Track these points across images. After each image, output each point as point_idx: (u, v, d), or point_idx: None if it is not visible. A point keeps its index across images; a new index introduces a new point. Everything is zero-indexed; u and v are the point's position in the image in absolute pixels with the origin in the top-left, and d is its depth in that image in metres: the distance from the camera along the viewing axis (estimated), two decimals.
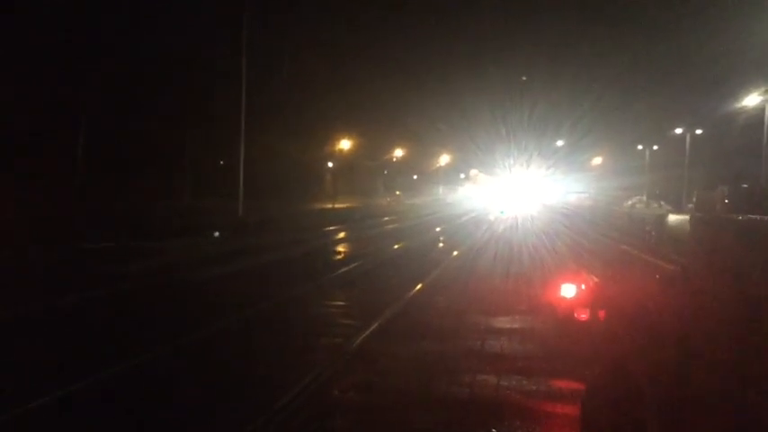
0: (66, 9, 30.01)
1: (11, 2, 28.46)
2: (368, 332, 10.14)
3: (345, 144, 58.74)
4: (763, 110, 37.79)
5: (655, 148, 71.63)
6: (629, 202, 58.29)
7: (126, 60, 33.98)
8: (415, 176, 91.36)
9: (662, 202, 55.74)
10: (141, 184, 34.98)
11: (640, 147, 73.90)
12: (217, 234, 25.68)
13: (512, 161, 71.03)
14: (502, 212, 47.30)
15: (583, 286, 9.78)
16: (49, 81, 29.45)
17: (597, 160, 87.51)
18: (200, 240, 23.99)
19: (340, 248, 25.87)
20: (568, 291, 9.68)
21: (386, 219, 45.54)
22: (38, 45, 29.17)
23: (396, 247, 25.80)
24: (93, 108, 30.20)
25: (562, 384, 7.66)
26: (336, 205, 50.78)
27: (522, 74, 68.16)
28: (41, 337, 10.04)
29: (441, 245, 27.59)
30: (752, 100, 39.15)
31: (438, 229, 36.43)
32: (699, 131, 59.99)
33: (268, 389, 7.36)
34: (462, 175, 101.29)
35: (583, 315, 9.34)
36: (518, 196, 63.64)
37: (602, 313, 9.30)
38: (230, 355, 9.03)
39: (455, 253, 23.83)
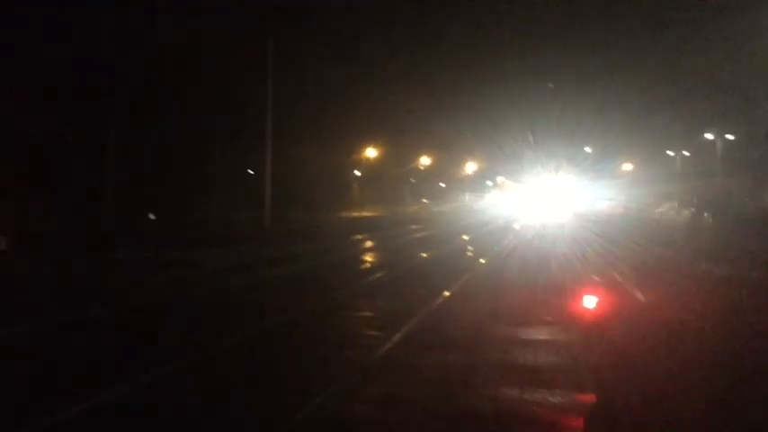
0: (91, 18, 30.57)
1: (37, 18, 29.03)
2: (391, 343, 10.02)
3: (372, 152, 58.87)
4: None
5: (686, 153, 70.43)
6: (660, 209, 57.38)
7: (153, 70, 34.44)
8: (442, 184, 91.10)
9: (693, 209, 54.71)
10: (170, 196, 35.38)
11: (671, 152, 72.71)
12: (243, 245, 25.83)
13: (539, 168, 70.41)
14: (518, 226, 45.98)
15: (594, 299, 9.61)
16: (78, 95, 29.99)
17: (627, 167, 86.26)
18: (227, 251, 24.15)
19: (366, 257, 25.83)
20: (591, 302, 9.51)
21: (413, 227, 45.41)
22: (67, 59, 29.75)
23: (423, 255, 25.67)
24: (122, 120, 30.60)
25: (585, 398, 7.47)
26: (363, 214, 50.84)
27: (550, 80, 67.45)
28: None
29: (468, 253, 27.37)
30: None
31: (465, 238, 36.19)
32: (730, 137, 58.81)
33: (284, 403, 7.31)
34: (489, 183, 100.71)
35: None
36: (546, 204, 62.99)
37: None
38: (244, 373, 8.97)
39: (482, 261, 23.63)
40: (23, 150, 28.10)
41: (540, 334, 10.63)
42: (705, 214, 52.10)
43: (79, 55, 29.75)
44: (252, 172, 42.72)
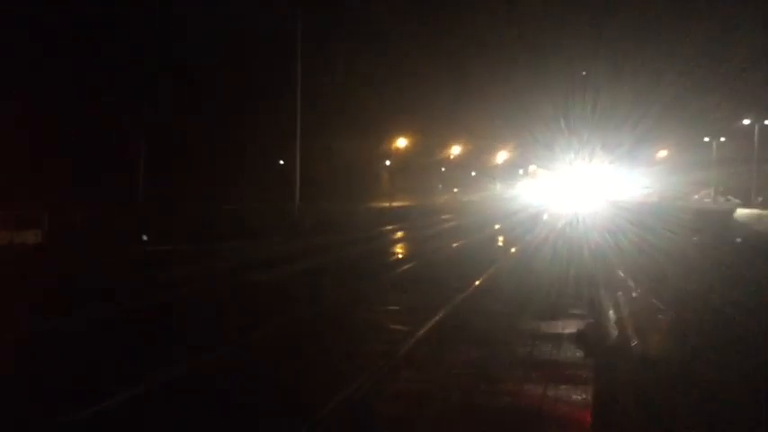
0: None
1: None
2: (415, 337, 9.92)
3: (402, 142, 58.58)
4: None
5: (722, 140, 68.62)
6: (696, 197, 56.17)
7: (183, 62, 34.79)
8: (473, 173, 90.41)
9: (730, 197, 53.46)
10: (200, 188, 35.73)
11: (707, 139, 70.90)
12: (273, 237, 25.92)
13: (572, 156, 69.21)
14: (550, 214, 45.07)
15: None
16: (109, 90, 30.50)
17: (662, 154, 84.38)
18: (257, 243, 24.26)
19: (396, 248, 25.74)
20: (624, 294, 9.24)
21: (443, 217, 45.19)
22: (106, 59, 30.34)
23: (453, 245, 25.48)
24: (151, 115, 31.00)
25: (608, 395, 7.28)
26: (393, 204, 50.73)
27: (584, 67, 66.23)
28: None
29: (499, 243, 27.11)
30: None
31: (496, 227, 35.87)
32: None
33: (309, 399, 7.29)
34: (521, 171, 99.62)
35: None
36: (579, 192, 62.05)
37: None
38: (263, 368, 8.95)
39: (513, 250, 23.39)
40: (58, 148, 28.73)
41: (569, 328, 10.39)
42: (736, 200, 50.82)
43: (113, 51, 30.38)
44: (282, 162, 42.89)
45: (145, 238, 22.71)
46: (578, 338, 9.68)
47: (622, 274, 15.78)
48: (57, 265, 18.01)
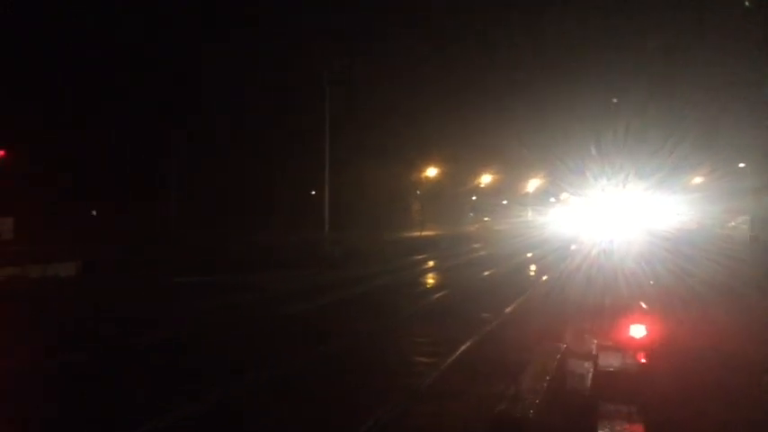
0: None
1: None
2: (440, 371, 9.74)
3: (432, 171, 58.53)
4: None
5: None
6: (732, 224, 54.91)
7: (215, 96, 35.47)
8: (504, 201, 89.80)
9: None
10: (231, 220, 36.07)
11: (742, 165, 69.27)
12: (304, 269, 25.85)
13: (605, 183, 68.13)
14: (583, 242, 44.14)
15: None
16: (148, 127, 31.25)
17: (698, 180, 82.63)
18: (288, 275, 24.17)
19: (426, 279, 25.46)
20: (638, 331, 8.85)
21: (474, 245, 44.75)
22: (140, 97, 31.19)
23: (484, 274, 25.11)
24: (182, 149, 31.62)
25: None
26: (424, 233, 50.50)
27: (616, 94, 65.57)
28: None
29: (530, 272, 26.64)
30: None
31: (528, 255, 35.36)
32: None
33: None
34: (552, 199, 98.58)
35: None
36: (612, 219, 60.98)
37: None
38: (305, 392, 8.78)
39: (544, 278, 22.96)
40: (95, 186, 29.35)
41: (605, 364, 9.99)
42: None
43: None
44: (313, 192, 43.13)
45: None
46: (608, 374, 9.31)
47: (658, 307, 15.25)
48: (92, 298, 18.10)
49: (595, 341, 9.55)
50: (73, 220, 26.18)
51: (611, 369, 8.99)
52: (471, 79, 72.10)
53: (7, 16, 28.47)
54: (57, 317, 14.93)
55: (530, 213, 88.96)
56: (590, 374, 8.59)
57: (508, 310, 15.34)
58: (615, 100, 66.27)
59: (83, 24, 30.74)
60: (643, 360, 8.75)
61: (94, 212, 29.54)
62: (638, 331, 8.86)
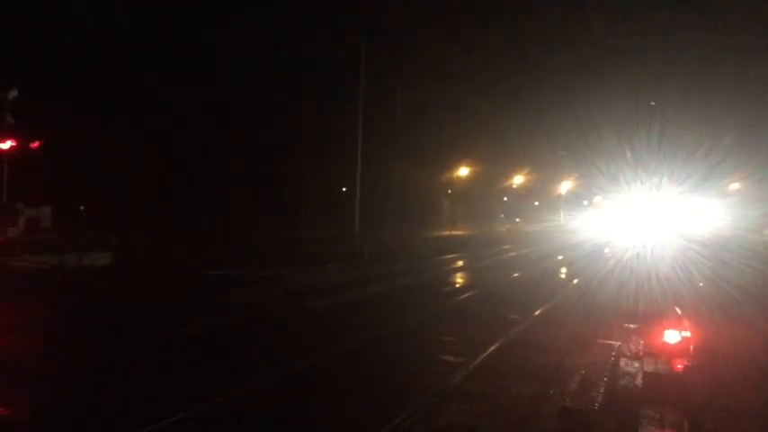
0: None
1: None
2: (467, 371, 9.69)
3: (464, 171, 58.29)
4: None
5: None
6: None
7: (244, 93, 35.81)
8: (536, 203, 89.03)
9: None
10: (262, 217, 36.40)
11: None
12: (333, 264, 25.99)
13: (638, 186, 67.04)
14: (615, 245, 43.26)
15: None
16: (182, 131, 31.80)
17: (735, 186, 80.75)
18: (317, 270, 24.32)
19: (454, 278, 25.36)
20: (672, 337, 8.67)
21: (504, 247, 44.42)
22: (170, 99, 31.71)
23: (513, 275, 24.94)
24: (218, 147, 32.04)
25: None
26: (454, 232, 50.33)
27: (653, 96, 64.46)
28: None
29: (561, 275, 26.35)
30: None
31: (559, 258, 35.02)
32: None
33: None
34: (585, 202, 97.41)
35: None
36: (646, 223, 59.99)
37: None
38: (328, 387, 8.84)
39: (575, 282, 22.70)
40: (128, 177, 29.88)
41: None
42: None
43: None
44: (345, 189, 43.27)
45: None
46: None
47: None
48: (127, 287, 18.38)
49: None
50: (111, 213, 26.67)
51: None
52: (504, 80, 71.55)
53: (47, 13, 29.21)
54: (94, 305, 15.25)
55: (562, 216, 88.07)
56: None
57: (537, 312, 15.19)
58: (653, 102, 65.13)
59: (118, 22, 31.34)
60: (679, 366, 8.58)
61: (130, 206, 30.09)
62: (672, 337, 8.70)
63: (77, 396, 8.32)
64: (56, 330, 12.35)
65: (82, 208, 26.47)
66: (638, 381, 8.31)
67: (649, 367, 8.47)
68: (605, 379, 7.97)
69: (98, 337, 11.64)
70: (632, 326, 10.71)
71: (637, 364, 8.83)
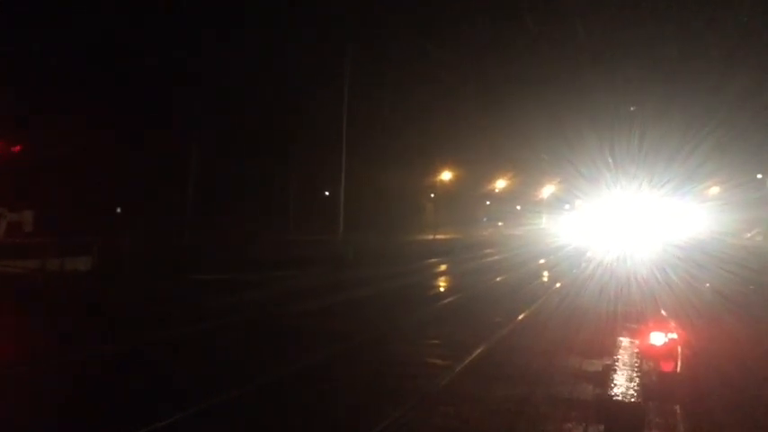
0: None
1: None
2: (454, 373, 9.82)
3: (447, 175, 58.62)
4: None
5: None
6: (748, 235, 54.62)
7: (232, 97, 35.79)
8: (518, 207, 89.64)
9: None
10: (246, 220, 36.36)
11: (759, 176, 68.65)
12: (316, 268, 26.07)
13: (619, 191, 67.84)
14: (596, 249, 43.58)
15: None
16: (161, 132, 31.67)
17: (714, 190, 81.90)
18: (300, 274, 24.39)
19: (439, 282, 25.56)
20: (657, 339, 8.88)
21: (487, 250, 44.72)
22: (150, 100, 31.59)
23: (497, 279, 25.16)
24: (200, 147, 31.96)
25: None
26: (437, 236, 50.53)
27: (633, 101, 65.22)
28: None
29: (543, 278, 26.63)
30: None
31: (541, 261, 35.35)
32: None
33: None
34: (567, 206, 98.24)
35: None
36: (626, 227, 60.72)
37: None
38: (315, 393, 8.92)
39: (557, 285, 22.96)
40: (109, 180, 29.71)
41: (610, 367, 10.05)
42: None
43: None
44: (327, 194, 43.34)
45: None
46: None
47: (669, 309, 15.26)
48: (107, 292, 18.35)
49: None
50: (94, 217, 26.50)
51: None
52: (487, 85, 71.94)
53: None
54: (70, 310, 15.23)
55: (544, 220, 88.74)
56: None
57: (521, 316, 15.40)
58: (633, 108, 65.88)
59: (100, 22, 31.17)
60: (667, 368, 8.81)
61: (119, 210, 29.94)
62: (658, 339, 8.91)
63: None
64: (26, 336, 12.33)
65: (65, 212, 26.22)
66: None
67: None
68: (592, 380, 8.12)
69: (60, 344, 11.60)
70: (634, 326, 10.90)
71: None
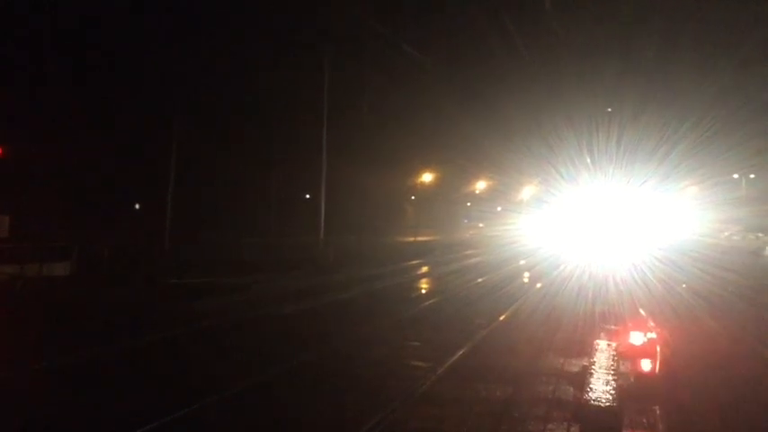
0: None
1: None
2: (436, 375, 9.89)
3: (427, 177, 58.80)
4: None
5: (751, 176, 67.44)
6: (726, 234, 55.50)
7: (212, 101, 35.60)
8: (498, 208, 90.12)
9: (759, 234, 52.66)
10: (225, 223, 36.21)
11: (736, 176, 69.79)
12: (298, 271, 26.07)
13: (598, 191, 68.54)
14: (576, 249, 44.03)
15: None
16: (139, 132, 31.42)
17: (691, 190, 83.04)
18: (281, 277, 24.35)
19: (419, 284, 25.64)
20: (636, 338, 9.06)
21: (468, 252, 44.97)
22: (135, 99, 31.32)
23: (478, 280, 25.32)
24: (181, 151, 31.72)
25: None
26: (418, 238, 50.68)
27: (610, 103, 65.91)
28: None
29: (524, 279, 26.85)
30: None
31: (522, 262, 35.64)
32: None
33: None
34: (546, 206, 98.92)
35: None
36: (606, 227, 61.36)
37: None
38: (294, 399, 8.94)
39: (538, 285, 23.19)
40: (87, 186, 29.44)
41: (591, 367, 10.21)
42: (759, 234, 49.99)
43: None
44: (308, 196, 43.29)
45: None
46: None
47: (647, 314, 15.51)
48: (81, 299, 18.14)
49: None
50: (74, 221, 26.24)
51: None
52: (466, 86, 72.25)
53: None
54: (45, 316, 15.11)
55: (524, 221, 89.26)
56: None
57: (502, 317, 15.54)
58: (609, 109, 66.55)
59: (82, 27, 30.90)
60: (645, 367, 8.98)
61: (100, 215, 29.71)
62: (637, 338, 9.09)
63: None
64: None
65: (44, 217, 25.93)
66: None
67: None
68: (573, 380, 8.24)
69: (36, 350, 11.47)
70: (613, 327, 11.08)
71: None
